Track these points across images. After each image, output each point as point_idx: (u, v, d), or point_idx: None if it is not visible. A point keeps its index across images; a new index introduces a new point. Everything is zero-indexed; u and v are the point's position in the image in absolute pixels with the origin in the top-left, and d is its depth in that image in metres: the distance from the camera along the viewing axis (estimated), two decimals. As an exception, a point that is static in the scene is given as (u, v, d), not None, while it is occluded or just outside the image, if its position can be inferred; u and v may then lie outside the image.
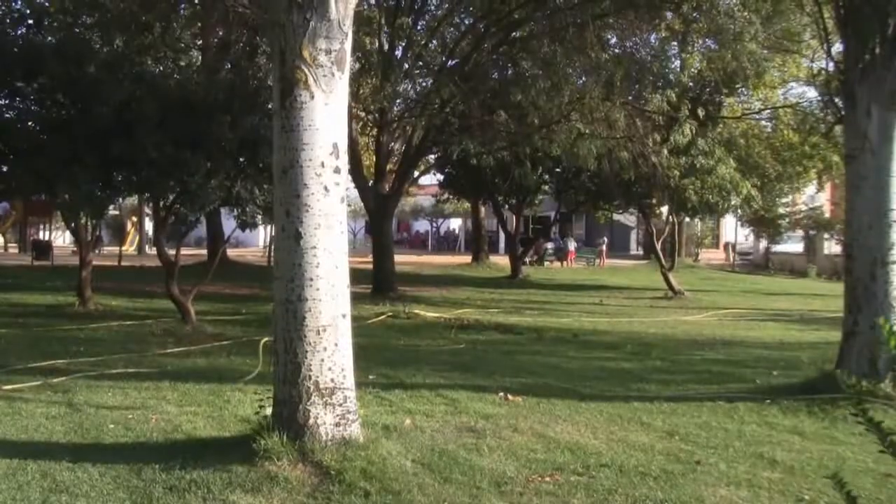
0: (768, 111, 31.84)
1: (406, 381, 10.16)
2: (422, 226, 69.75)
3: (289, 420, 6.27)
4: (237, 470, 5.94)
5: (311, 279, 6.23)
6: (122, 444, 7.01)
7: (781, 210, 46.53)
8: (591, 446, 7.25)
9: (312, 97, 6.22)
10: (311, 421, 6.23)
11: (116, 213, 44.86)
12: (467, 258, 43.21)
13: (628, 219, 52.10)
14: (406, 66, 22.29)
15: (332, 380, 6.30)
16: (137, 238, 50.24)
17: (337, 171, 6.33)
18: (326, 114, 6.27)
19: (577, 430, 7.87)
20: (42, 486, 5.73)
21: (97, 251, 42.06)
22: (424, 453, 6.66)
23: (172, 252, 15.48)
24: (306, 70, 6.19)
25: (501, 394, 9.53)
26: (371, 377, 10.21)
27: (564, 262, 46.25)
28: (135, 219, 51.76)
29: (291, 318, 6.27)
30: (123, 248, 40.59)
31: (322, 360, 6.27)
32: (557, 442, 7.35)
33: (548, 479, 6.22)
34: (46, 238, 41.52)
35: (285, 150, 6.27)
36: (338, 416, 6.32)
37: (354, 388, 6.61)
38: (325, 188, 6.26)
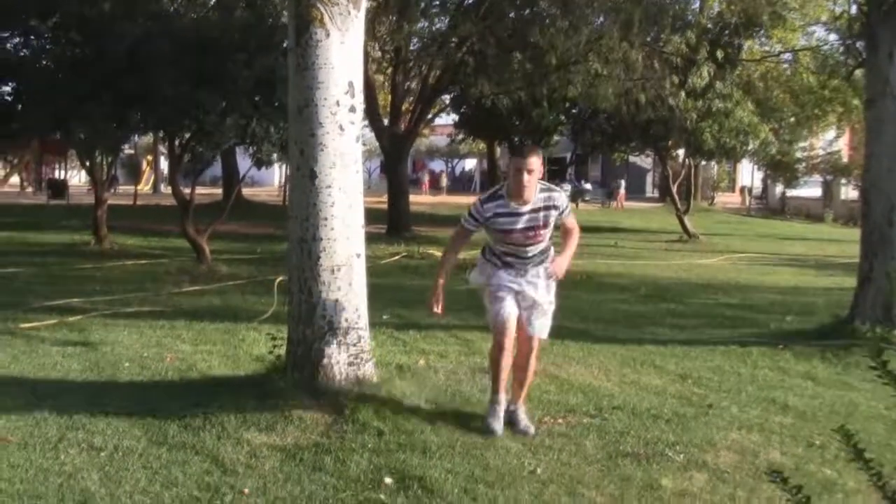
0: (788, 54, 31.35)
1: (420, 322, 10.14)
2: (437, 166, 69.36)
3: (302, 359, 6.30)
4: (252, 408, 5.98)
5: (326, 218, 6.21)
6: (138, 383, 7.07)
7: (799, 154, 46.12)
8: (603, 388, 7.27)
9: (328, 35, 6.14)
10: (325, 360, 6.25)
11: (132, 152, 44.86)
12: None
13: (644, 161, 51.82)
14: (423, 4, 22.02)
15: (347, 319, 6.31)
16: (153, 177, 50.25)
17: (352, 109, 6.28)
18: (342, 52, 6.20)
19: (591, 373, 7.89)
20: (59, 423, 5.77)
21: (112, 190, 42.13)
22: (438, 394, 6.67)
23: (188, 191, 15.47)
24: (321, 8, 6.11)
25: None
26: (385, 317, 10.25)
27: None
28: (150, 158, 51.75)
29: (306, 258, 6.26)
30: (139, 187, 40.62)
31: (336, 300, 6.27)
32: (570, 384, 7.37)
33: (560, 420, 6.25)
34: (62, 177, 41.59)
35: (300, 89, 6.22)
36: (352, 355, 6.34)
37: (368, 328, 6.63)
38: (341, 127, 6.21)
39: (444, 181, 59.44)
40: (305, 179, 6.22)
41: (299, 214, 6.29)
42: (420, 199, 40.49)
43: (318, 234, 6.21)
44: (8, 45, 15.01)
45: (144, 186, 47.14)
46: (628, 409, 6.58)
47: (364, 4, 6.40)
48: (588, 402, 6.79)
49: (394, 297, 12.09)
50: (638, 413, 6.51)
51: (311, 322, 6.26)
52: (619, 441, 5.85)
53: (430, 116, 29.41)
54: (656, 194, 53.88)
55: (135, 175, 45.38)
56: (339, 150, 6.21)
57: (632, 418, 6.37)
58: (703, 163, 38.60)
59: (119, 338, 8.78)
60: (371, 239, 20.75)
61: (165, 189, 40.79)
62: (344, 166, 6.24)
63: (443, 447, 5.51)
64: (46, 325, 9.28)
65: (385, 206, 24.88)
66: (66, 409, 6.05)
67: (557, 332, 9.72)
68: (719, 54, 20.37)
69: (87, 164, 17.24)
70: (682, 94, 20.44)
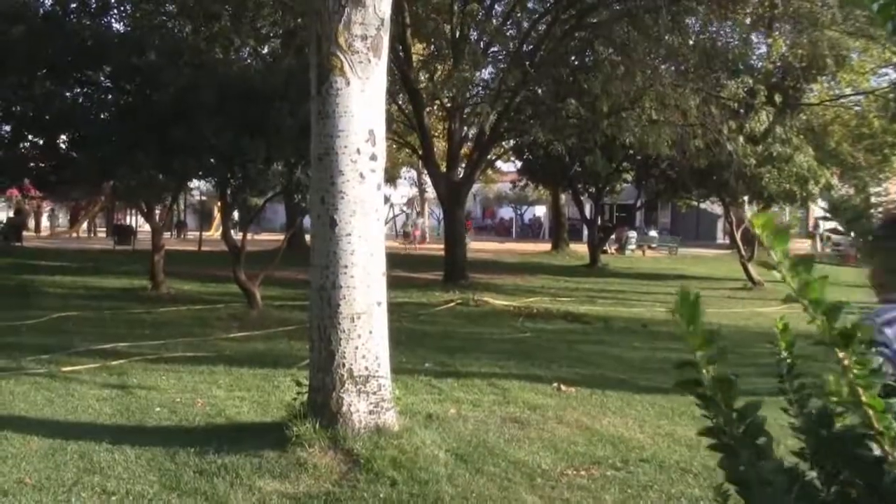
0: (846, 98, 30.62)
1: (461, 370, 10.08)
2: (506, 212, 69.15)
3: (322, 407, 6.28)
4: (268, 455, 5.97)
5: (346, 266, 6.22)
6: (165, 428, 7.10)
7: (873, 199, 45.04)
8: (634, 440, 7.11)
9: (348, 84, 6.19)
10: (345, 408, 6.22)
11: (205, 198, 45.62)
12: (549, 246, 42.91)
13: (715, 207, 51.10)
14: (477, 51, 22.08)
15: (367, 367, 6.29)
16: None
17: (373, 157, 6.30)
18: (362, 100, 6.24)
19: (624, 424, 7.72)
20: (78, 467, 5.84)
21: (181, 236, 42.91)
22: (461, 443, 6.60)
23: (240, 237, 15.65)
24: (342, 56, 6.17)
25: (555, 384, 9.39)
26: (427, 365, 10.23)
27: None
28: (221, 204, 52.42)
29: (325, 306, 6.27)
30: (209, 233, 41.11)
31: (356, 348, 6.25)
32: (601, 435, 7.21)
33: (583, 472, 6.12)
34: (133, 223, 42.35)
35: (321, 137, 6.27)
36: (372, 403, 6.30)
37: (390, 376, 6.59)
38: (361, 175, 6.23)
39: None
40: (325, 227, 6.24)
41: (319, 262, 6.30)
42: (486, 246, 40.50)
43: (337, 282, 6.21)
44: (67, 94, 15.37)
45: (215, 232, 47.82)
46: (656, 462, 6.43)
47: (385, 53, 6.44)
48: (616, 453, 6.65)
49: (440, 345, 12.06)
50: (666, 466, 6.35)
51: (330, 370, 6.24)
52: (640, 495, 5.71)
53: (489, 162, 29.40)
54: (727, 241, 53.04)
55: (206, 220, 46.05)
56: (359, 198, 6.22)
57: (658, 471, 6.22)
58: (776, 209, 37.84)
59: (157, 382, 8.86)
60: (427, 286, 21.04)
61: (237, 235, 41.23)
62: (364, 214, 6.24)
63: (456, 498, 5.43)
64: (88, 369, 9.40)
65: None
66: (87, 453, 6.12)
67: (599, 382, 9.67)
68: (777, 98, 20.02)
69: (145, 210, 17.54)
70: (741, 139, 20.11)
